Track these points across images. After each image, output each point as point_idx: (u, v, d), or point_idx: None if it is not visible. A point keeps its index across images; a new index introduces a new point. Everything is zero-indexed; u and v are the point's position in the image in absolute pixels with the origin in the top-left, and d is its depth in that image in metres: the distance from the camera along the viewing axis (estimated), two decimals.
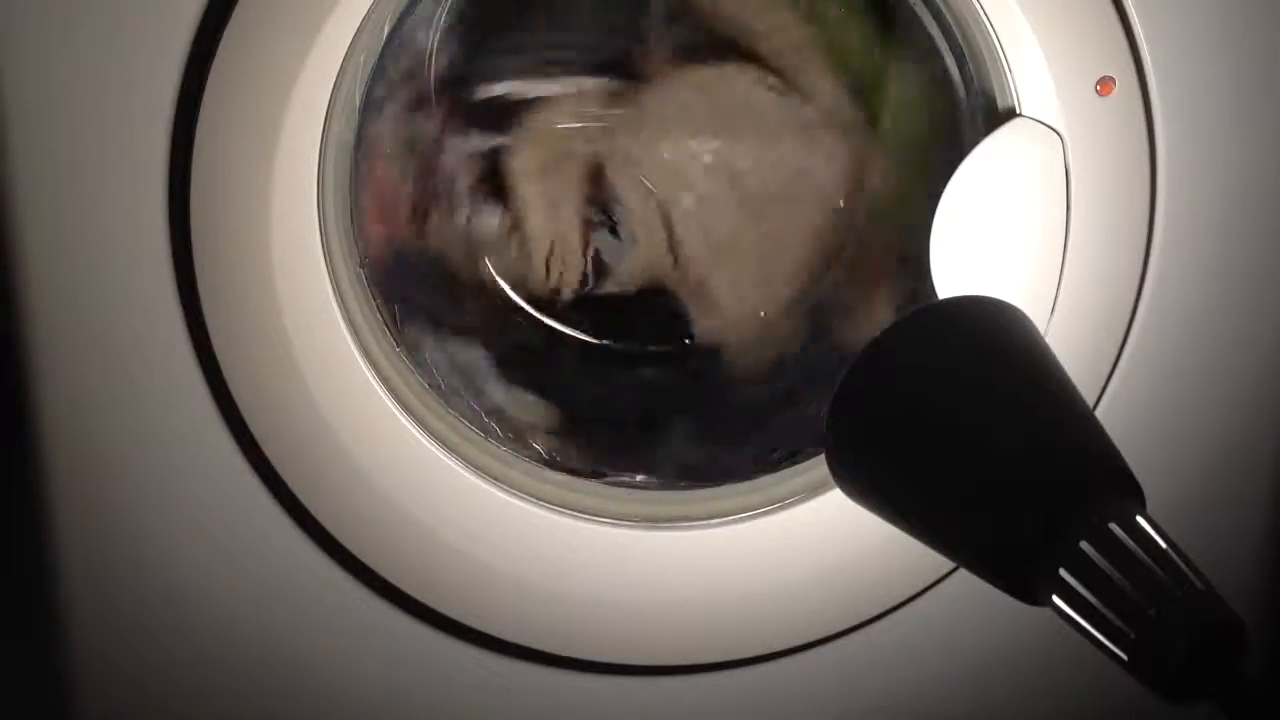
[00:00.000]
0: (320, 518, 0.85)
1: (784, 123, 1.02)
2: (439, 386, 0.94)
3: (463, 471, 0.87)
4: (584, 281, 1.02)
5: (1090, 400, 0.89)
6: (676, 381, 1.04)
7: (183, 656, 0.88)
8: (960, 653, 0.96)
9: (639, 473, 0.97)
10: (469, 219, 1.00)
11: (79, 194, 0.77)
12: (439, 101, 0.99)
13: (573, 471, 0.94)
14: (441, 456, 0.86)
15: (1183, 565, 0.62)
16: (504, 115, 1.00)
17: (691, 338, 1.05)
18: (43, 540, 0.84)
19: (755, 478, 0.94)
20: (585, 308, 1.04)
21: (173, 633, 0.87)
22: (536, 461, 0.93)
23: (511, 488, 0.88)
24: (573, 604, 0.89)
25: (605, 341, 1.05)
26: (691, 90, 1.03)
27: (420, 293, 0.98)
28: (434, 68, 0.97)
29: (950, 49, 0.90)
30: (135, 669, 0.88)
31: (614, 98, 1.02)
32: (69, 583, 0.85)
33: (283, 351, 0.81)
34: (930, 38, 0.91)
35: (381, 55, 0.89)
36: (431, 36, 0.97)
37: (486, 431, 0.92)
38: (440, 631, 0.89)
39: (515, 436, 0.95)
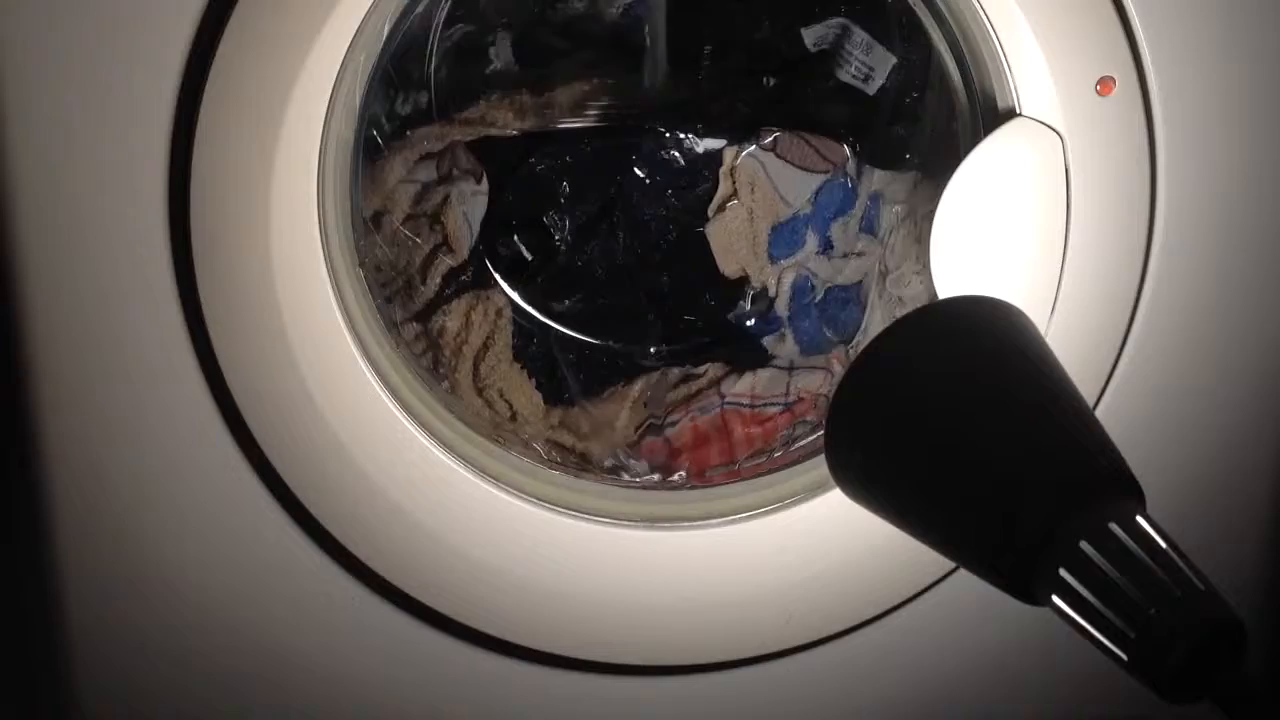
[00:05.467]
0: (320, 517, 0.85)
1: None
2: (439, 386, 0.94)
3: (463, 471, 0.87)
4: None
5: (1090, 400, 0.89)
6: (676, 381, 1.04)
7: (182, 656, 0.88)
8: (960, 653, 0.96)
9: (639, 472, 0.97)
10: (469, 216, 1.00)
11: (79, 194, 0.77)
12: (439, 99, 0.99)
13: (573, 471, 0.94)
14: (441, 456, 0.86)
15: (1183, 565, 0.62)
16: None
17: (691, 338, 1.05)
18: (43, 540, 0.84)
19: (755, 478, 0.94)
20: (586, 309, 1.04)
21: (172, 632, 0.87)
22: (536, 461, 0.93)
23: (511, 488, 0.88)
24: (573, 604, 0.89)
25: (605, 343, 1.05)
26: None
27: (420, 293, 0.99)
28: (434, 64, 0.98)
29: (950, 49, 0.90)
30: (135, 669, 0.88)
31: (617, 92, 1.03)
32: (69, 583, 0.85)
33: (283, 351, 0.81)
34: (930, 38, 0.91)
35: (381, 55, 0.90)
36: (432, 35, 0.98)
37: (536, 458, 0.92)
38: (440, 631, 0.89)
39: (563, 457, 0.95)
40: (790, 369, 1.01)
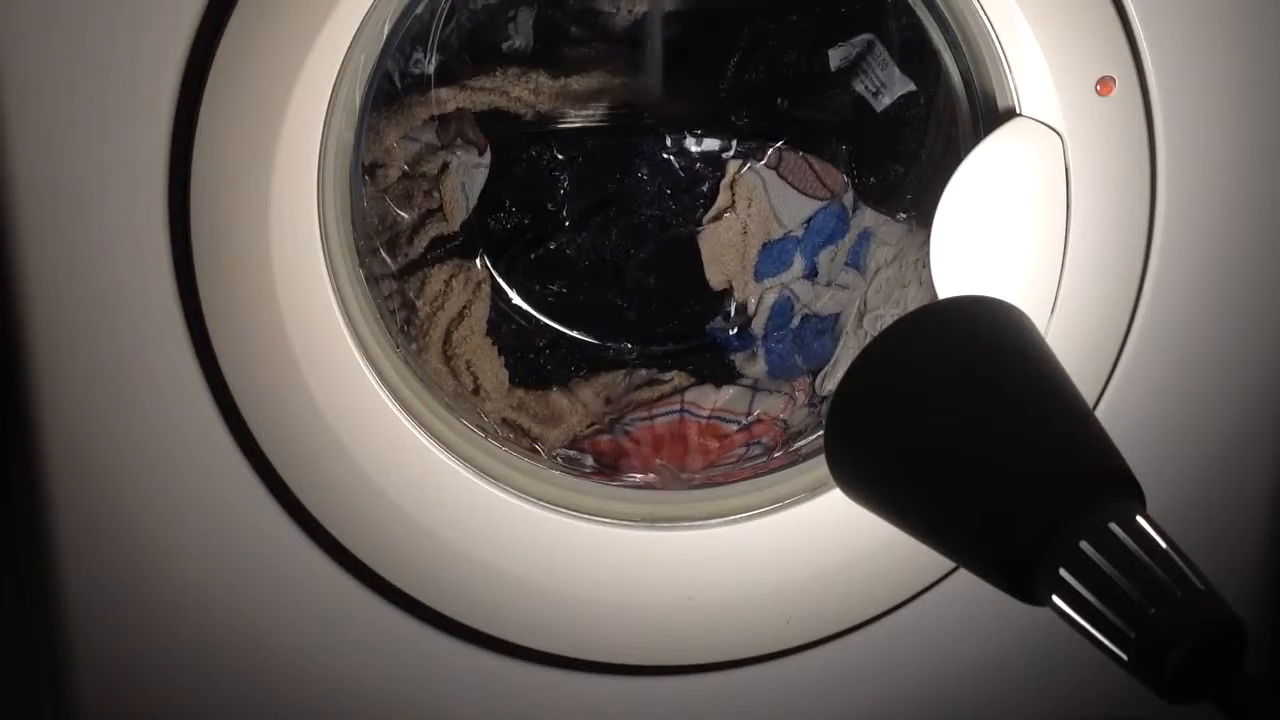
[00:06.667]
0: (320, 518, 0.85)
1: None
2: (439, 386, 0.94)
3: (463, 471, 0.87)
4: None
5: (1090, 400, 0.89)
6: (641, 383, 1.04)
7: (183, 656, 0.88)
8: (960, 653, 0.96)
9: (585, 465, 0.97)
10: (467, 188, 1.00)
11: (79, 194, 0.77)
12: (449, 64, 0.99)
13: (573, 471, 0.94)
14: (442, 456, 0.86)
15: (1183, 565, 0.62)
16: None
17: (663, 343, 1.05)
18: (43, 540, 0.84)
19: (755, 477, 0.94)
20: (566, 299, 1.05)
21: (173, 632, 0.87)
22: (536, 461, 0.93)
23: (511, 488, 0.88)
24: (573, 604, 0.89)
25: (578, 334, 1.05)
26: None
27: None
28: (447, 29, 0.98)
29: (950, 49, 0.90)
30: (135, 669, 0.88)
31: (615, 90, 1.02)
32: (69, 583, 0.85)
33: (283, 351, 0.81)
34: (930, 38, 0.91)
35: (381, 55, 0.90)
36: (432, 35, 0.98)
37: (487, 432, 0.92)
38: (440, 631, 0.89)
39: (515, 437, 0.95)
40: (754, 389, 1.02)
